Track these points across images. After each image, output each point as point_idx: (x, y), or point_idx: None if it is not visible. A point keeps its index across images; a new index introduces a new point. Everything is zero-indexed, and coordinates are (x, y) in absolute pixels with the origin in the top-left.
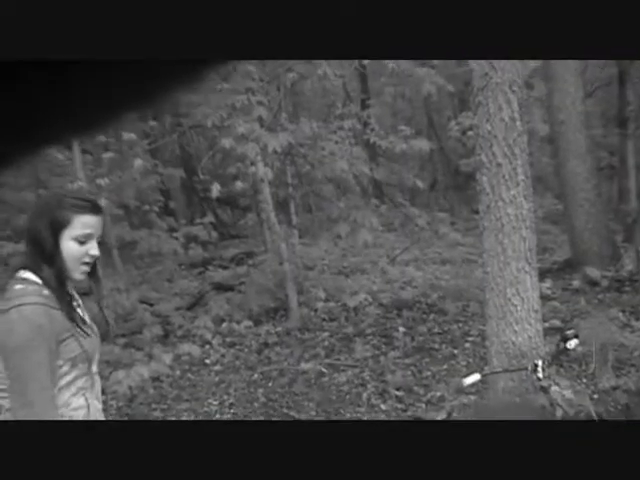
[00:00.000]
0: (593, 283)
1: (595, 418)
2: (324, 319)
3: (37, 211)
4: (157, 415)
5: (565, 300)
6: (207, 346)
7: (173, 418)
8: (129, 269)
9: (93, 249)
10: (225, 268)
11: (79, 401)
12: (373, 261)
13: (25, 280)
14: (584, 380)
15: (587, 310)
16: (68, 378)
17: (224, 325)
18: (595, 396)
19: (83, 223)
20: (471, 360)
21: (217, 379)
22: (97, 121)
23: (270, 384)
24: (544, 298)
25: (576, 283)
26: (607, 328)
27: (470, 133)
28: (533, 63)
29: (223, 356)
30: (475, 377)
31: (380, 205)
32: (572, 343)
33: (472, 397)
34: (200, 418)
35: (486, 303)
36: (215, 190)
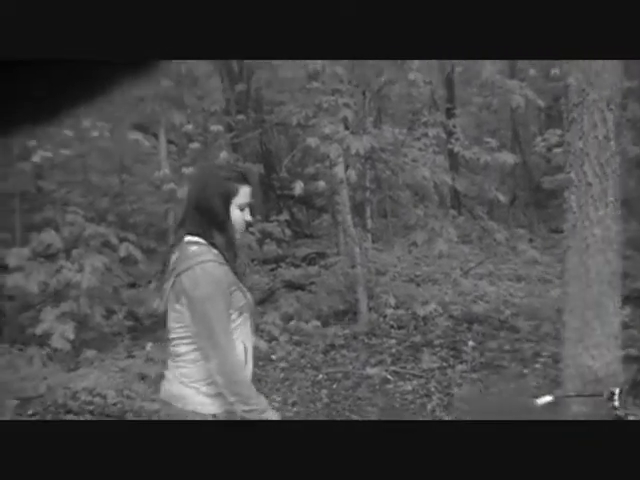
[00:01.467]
0: None
1: None
2: (392, 326)
3: (206, 183)
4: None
5: None
6: (274, 342)
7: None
8: None
9: (247, 215)
10: (297, 267)
11: (240, 346)
12: (446, 272)
13: (196, 242)
14: None
15: None
16: (234, 325)
17: (292, 323)
18: None
19: (245, 192)
20: (541, 381)
21: (282, 376)
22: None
23: (334, 386)
24: (622, 326)
25: None
26: None
27: (556, 150)
28: (628, 83)
29: (289, 354)
30: (547, 398)
31: (458, 216)
32: None
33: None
34: None
35: (564, 325)
36: (299, 188)
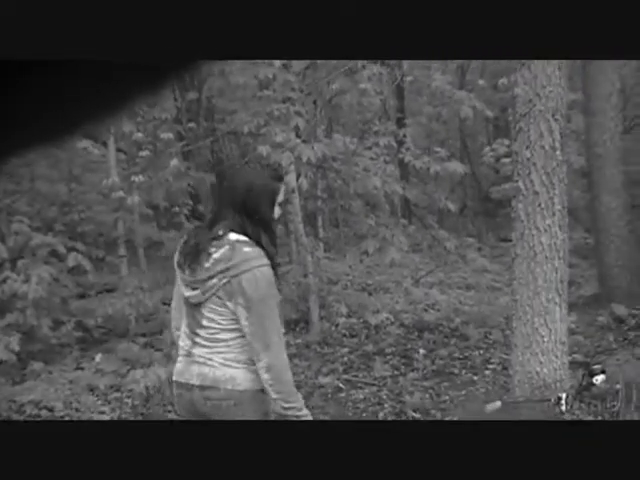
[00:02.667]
0: (620, 320)
1: None
2: (344, 335)
3: (252, 183)
4: (172, 417)
5: (590, 335)
6: None
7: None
8: (154, 269)
9: (279, 210)
10: None
11: None
12: (397, 281)
13: (247, 243)
14: (607, 418)
15: (612, 347)
16: None
17: None
18: None
19: (283, 190)
20: (490, 388)
21: None
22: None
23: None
24: (569, 332)
25: (602, 319)
26: (633, 366)
27: (504, 160)
28: (572, 95)
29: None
30: (497, 404)
31: (408, 225)
32: (598, 378)
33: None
34: None
35: (512, 332)
36: None
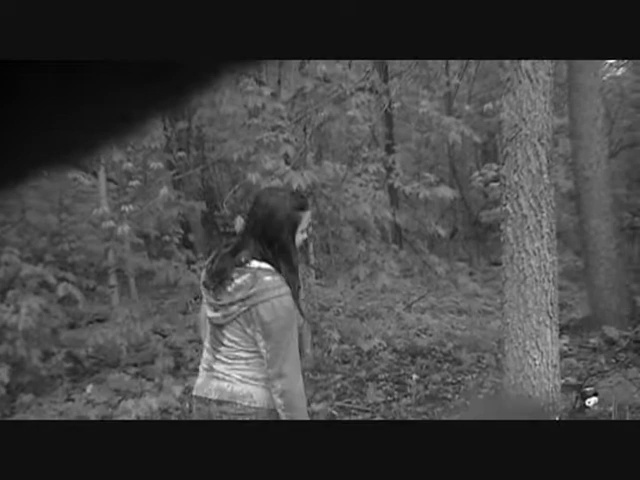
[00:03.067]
0: (611, 342)
1: None
2: (337, 361)
3: (274, 213)
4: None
5: (582, 358)
6: None
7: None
8: (145, 299)
9: (305, 234)
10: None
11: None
12: (389, 306)
13: (269, 271)
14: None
15: (605, 369)
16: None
17: None
18: None
19: (306, 218)
20: (484, 412)
21: None
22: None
23: None
24: (560, 354)
25: (594, 341)
26: (626, 388)
27: (492, 184)
28: (558, 119)
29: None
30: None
31: (399, 250)
32: (591, 401)
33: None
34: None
35: (504, 355)
36: (238, 224)
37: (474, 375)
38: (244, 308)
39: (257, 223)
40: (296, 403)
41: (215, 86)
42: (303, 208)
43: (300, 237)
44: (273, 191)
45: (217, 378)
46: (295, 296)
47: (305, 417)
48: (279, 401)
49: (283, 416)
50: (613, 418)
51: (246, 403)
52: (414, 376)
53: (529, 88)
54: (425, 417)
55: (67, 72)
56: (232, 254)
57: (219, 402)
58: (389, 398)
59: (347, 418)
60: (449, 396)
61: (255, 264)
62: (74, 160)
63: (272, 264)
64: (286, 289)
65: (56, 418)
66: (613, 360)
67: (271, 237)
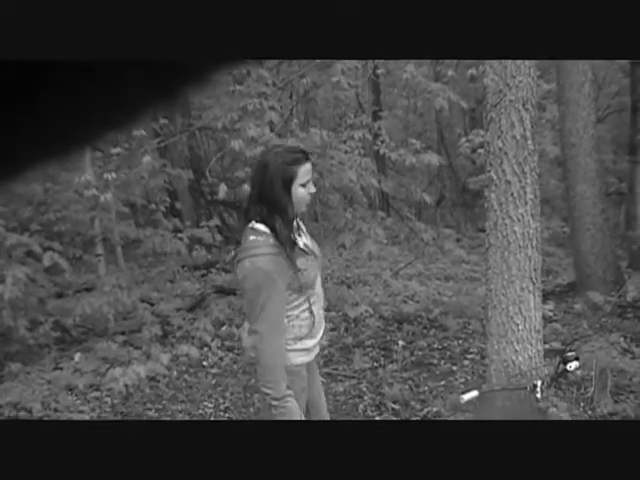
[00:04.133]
0: (596, 307)
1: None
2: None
3: (267, 173)
4: (152, 415)
5: (566, 323)
6: (205, 348)
7: (168, 419)
8: (132, 267)
9: (311, 188)
10: (228, 272)
11: (304, 314)
12: (376, 273)
13: (256, 231)
14: (582, 404)
15: (588, 334)
16: (296, 302)
17: (224, 328)
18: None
19: (304, 171)
20: (469, 377)
21: (214, 382)
22: (111, 123)
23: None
24: (545, 320)
25: (578, 307)
26: (608, 353)
27: (480, 151)
28: (546, 85)
29: (221, 359)
30: (473, 394)
31: (386, 218)
32: (572, 365)
33: (468, 414)
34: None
35: (488, 321)
36: (222, 191)
37: (460, 341)
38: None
39: (254, 183)
40: (264, 360)
41: (211, 85)
42: (297, 161)
43: (302, 191)
44: (269, 149)
45: (244, 328)
46: (290, 257)
47: (272, 378)
48: (251, 354)
49: (257, 375)
50: (594, 382)
51: (252, 354)
52: (400, 342)
53: None
54: (411, 383)
55: (68, 72)
56: (244, 216)
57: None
58: (375, 364)
59: (333, 384)
60: (435, 362)
61: (251, 224)
62: (69, 156)
63: (267, 223)
64: (265, 250)
65: (44, 387)
66: (597, 325)
67: (264, 194)
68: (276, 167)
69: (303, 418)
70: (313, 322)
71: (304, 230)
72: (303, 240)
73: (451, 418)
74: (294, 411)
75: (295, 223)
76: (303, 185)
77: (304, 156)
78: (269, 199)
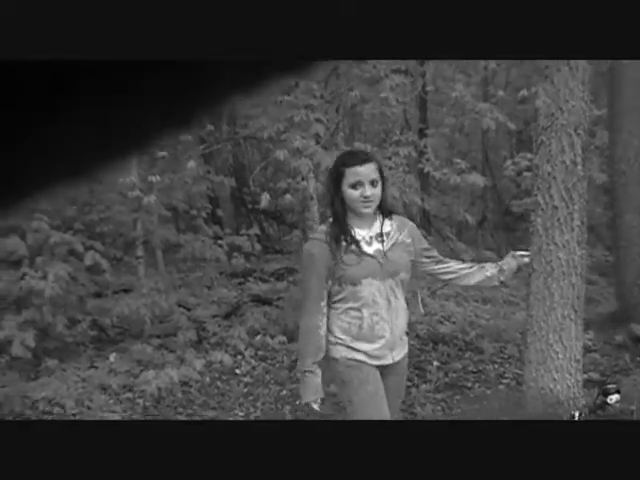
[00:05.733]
0: (638, 340)
1: None
2: None
3: (327, 173)
4: (182, 418)
5: (606, 354)
6: (239, 357)
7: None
8: (171, 271)
9: (365, 191)
10: (265, 281)
11: (353, 313)
12: (414, 291)
13: (325, 222)
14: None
15: (629, 367)
16: (340, 296)
17: (258, 338)
18: None
19: (353, 172)
20: (503, 403)
21: (246, 390)
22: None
23: (298, 402)
24: (585, 349)
25: (619, 338)
26: None
27: (525, 174)
28: (597, 110)
29: (254, 368)
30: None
31: (427, 236)
32: (613, 398)
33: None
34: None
35: (527, 347)
36: (265, 200)
37: (495, 365)
38: None
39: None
40: (300, 338)
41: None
42: (347, 163)
43: (351, 192)
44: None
45: None
46: (334, 245)
47: (301, 353)
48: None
49: None
50: (635, 417)
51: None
52: (435, 363)
53: (568, 76)
54: (444, 404)
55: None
56: None
57: None
58: (409, 384)
59: None
60: (469, 384)
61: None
62: (105, 167)
63: (331, 217)
64: (317, 235)
65: (79, 384)
66: (638, 358)
67: (327, 191)
68: (331, 168)
69: (320, 396)
70: (361, 324)
71: (393, 236)
72: (372, 243)
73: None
74: (309, 387)
75: (379, 226)
76: (353, 186)
77: (357, 158)
78: (327, 197)
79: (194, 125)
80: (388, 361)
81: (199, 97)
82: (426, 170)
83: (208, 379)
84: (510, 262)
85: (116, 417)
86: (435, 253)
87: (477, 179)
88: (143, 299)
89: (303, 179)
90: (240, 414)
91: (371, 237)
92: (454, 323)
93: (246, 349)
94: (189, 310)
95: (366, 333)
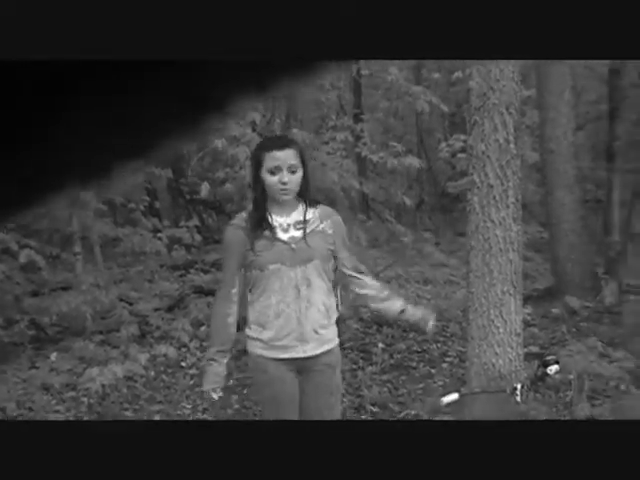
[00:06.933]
0: (573, 312)
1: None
2: None
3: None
4: (128, 415)
5: (544, 327)
6: (184, 349)
7: (145, 418)
8: (110, 266)
9: (282, 177)
10: (207, 272)
11: (265, 301)
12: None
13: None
14: (560, 408)
15: (566, 339)
16: (252, 283)
17: (202, 329)
18: None
19: (271, 157)
20: (448, 380)
21: (192, 382)
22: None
23: (245, 391)
24: (524, 324)
25: (556, 311)
26: (585, 357)
27: (460, 155)
28: (526, 90)
29: (200, 360)
30: (453, 396)
31: (366, 220)
32: (553, 369)
33: (447, 417)
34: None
35: (468, 324)
36: (205, 190)
37: (439, 344)
38: None
39: None
40: (210, 321)
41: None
42: (266, 147)
43: (270, 178)
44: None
45: None
46: (251, 232)
47: (209, 338)
48: None
49: None
50: (573, 386)
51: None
52: (380, 345)
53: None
54: (390, 386)
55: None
56: None
57: None
58: (354, 366)
59: None
60: (414, 364)
61: None
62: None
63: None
64: (235, 221)
65: (19, 385)
66: (574, 329)
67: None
68: (252, 152)
69: (220, 385)
70: (268, 313)
71: (312, 223)
72: (289, 230)
73: (426, 418)
74: (209, 376)
75: (300, 213)
76: (272, 172)
77: (276, 143)
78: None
79: (195, 125)
80: (298, 354)
81: (200, 97)
82: (363, 154)
83: (153, 373)
84: (418, 313)
85: (59, 417)
86: (355, 262)
87: (413, 161)
88: (83, 296)
89: (241, 168)
90: (187, 407)
91: (289, 224)
92: None
93: (191, 341)
94: (131, 304)
95: (273, 321)
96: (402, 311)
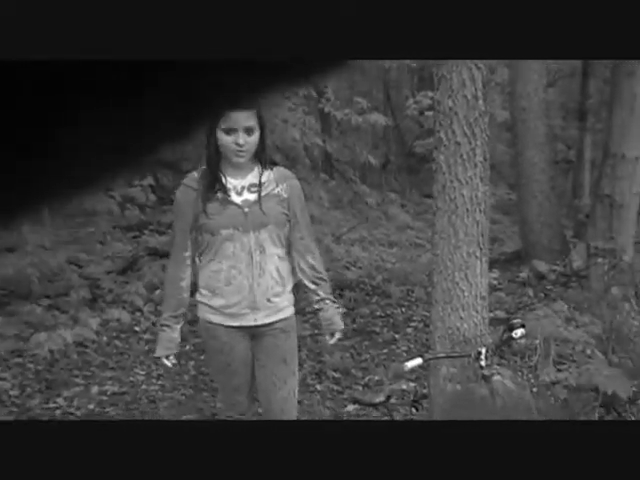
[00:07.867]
0: (540, 276)
1: (534, 412)
2: None
3: None
4: (78, 382)
5: (511, 292)
6: (138, 313)
7: (96, 387)
8: (58, 226)
9: (238, 139)
10: (162, 234)
11: (215, 266)
12: (318, 238)
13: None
14: (525, 372)
15: (533, 303)
16: (202, 247)
17: (157, 292)
18: (535, 389)
19: (227, 117)
20: (412, 346)
21: (147, 348)
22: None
23: (202, 357)
24: (490, 288)
25: (523, 275)
26: (552, 321)
27: (428, 113)
28: None
29: (154, 324)
30: (417, 361)
31: (329, 180)
32: (518, 332)
33: (411, 383)
34: (125, 388)
35: (433, 287)
36: None
37: (403, 309)
38: None
39: None
40: (164, 286)
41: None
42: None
43: (224, 138)
44: None
45: None
46: (203, 192)
47: (163, 303)
48: None
49: None
50: (538, 351)
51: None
52: (342, 309)
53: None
54: (353, 351)
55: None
56: None
57: None
58: (316, 331)
59: None
60: (377, 329)
61: None
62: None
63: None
64: (186, 181)
65: None
66: (541, 294)
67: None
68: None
69: (174, 351)
70: (219, 278)
71: (267, 187)
72: (242, 193)
73: (393, 386)
74: (162, 342)
75: (256, 176)
76: (227, 132)
77: (229, 104)
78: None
79: (195, 126)
80: (249, 322)
81: (200, 98)
82: (327, 110)
83: (105, 338)
84: (333, 318)
85: (6, 384)
86: (307, 241)
87: (379, 119)
88: (29, 257)
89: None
90: (141, 373)
91: (243, 187)
92: (360, 268)
93: (145, 305)
94: (80, 267)
95: (223, 287)
96: (319, 308)
